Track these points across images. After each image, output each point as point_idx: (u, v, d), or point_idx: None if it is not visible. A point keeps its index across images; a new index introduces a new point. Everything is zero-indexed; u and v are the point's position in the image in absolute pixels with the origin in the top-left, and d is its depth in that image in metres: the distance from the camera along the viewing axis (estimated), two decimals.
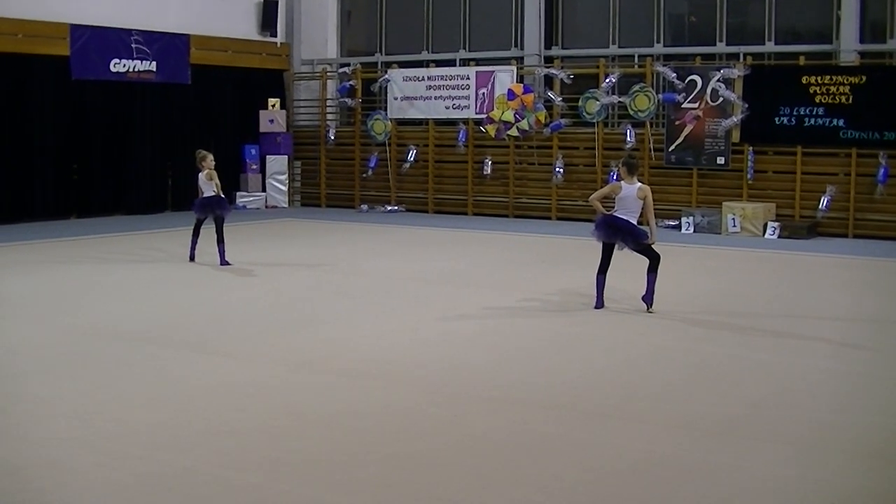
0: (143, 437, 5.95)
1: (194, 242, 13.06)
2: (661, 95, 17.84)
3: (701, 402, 6.84)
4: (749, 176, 17.16)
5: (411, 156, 20.26)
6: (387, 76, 20.62)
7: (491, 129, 19.01)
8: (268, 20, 21.70)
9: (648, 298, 9.90)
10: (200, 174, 13.00)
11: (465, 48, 20.86)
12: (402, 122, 20.74)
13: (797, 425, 6.33)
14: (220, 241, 12.71)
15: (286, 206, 21.33)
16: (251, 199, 20.98)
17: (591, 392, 7.11)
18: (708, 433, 6.16)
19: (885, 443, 6.04)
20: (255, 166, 21.16)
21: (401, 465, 5.56)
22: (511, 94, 18.77)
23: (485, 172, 19.56)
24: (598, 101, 18.19)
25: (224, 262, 12.66)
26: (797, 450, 5.86)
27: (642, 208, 9.89)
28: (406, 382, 7.30)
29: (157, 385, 7.10)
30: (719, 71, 17.25)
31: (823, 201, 16.42)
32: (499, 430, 6.17)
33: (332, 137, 21.42)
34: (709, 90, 17.33)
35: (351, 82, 21.04)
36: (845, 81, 16.30)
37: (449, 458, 5.67)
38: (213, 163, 13.09)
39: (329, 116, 21.91)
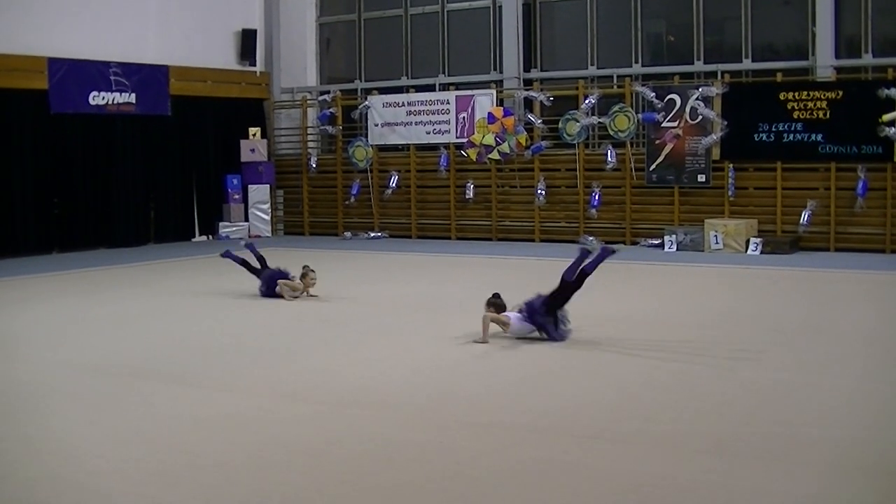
0: (129, 472, 5.89)
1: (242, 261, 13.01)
2: (640, 115, 17.94)
3: (690, 421, 6.82)
4: (730, 193, 17.24)
5: (393, 182, 20.27)
6: (367, 103, 20.68)
7: (472, 153, 19.04)
8: (247, 49, 21.74)
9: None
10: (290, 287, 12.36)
11: (444, 73, 20.92)
12: (383, 149, 20.77)
13: (786, 441, 6.32)
14: (259, 265, 12.82)
15: (269, 235, 21.30)
16: (234, 229, 20.95)
17: (579, 414, 7.08)
18: (698, 452, 6.14)
19: (873, 457, 6.03)
20: (237, 196, 21.14)
21: (389, 494, 5.51)
22: (491, 118, 18.82)
23: (467, 196, 19.59)
24: (578, 122, 18.27)
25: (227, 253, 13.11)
26: (786, 465, 5.84)
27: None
28: (393, 410, 7.26)
29: (142, 419, 7.03)
30: (698, 89, 17.37)
31: (804, 216, 16.51)
32: (487, 456, 6.13)
33: (314, 165, 21.43)
34: (688, 109, 17.43)
35: (331, 110, 21.07)
36: (822, 97, 16.42)
37: (437, 486, 5.63)
38: (314, 282, 12.41)
39: (310, 144, 21.92)
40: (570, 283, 9.57)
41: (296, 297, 12.26)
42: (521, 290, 13.08)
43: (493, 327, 9.59)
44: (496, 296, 9.83)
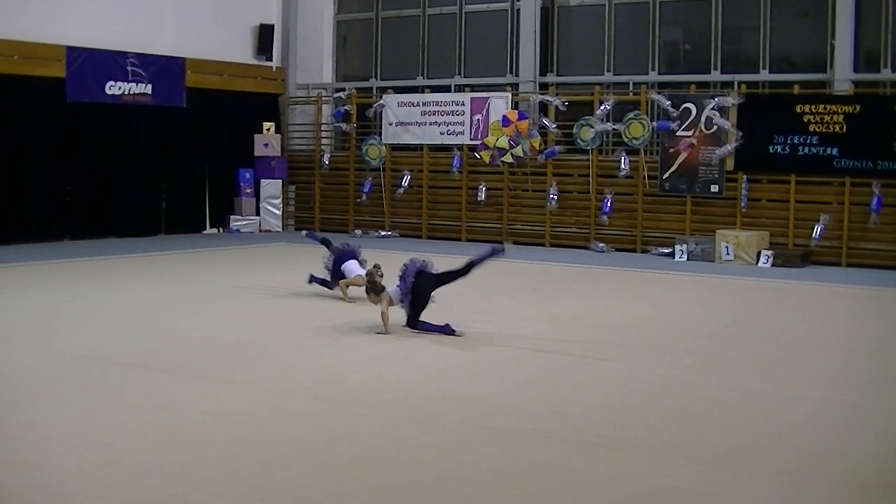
0: (133, 463, 5.89)
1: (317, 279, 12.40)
2: (655, 123, 17.89)
3: (695, 432, 6.80)
4: (743, 204, 17.18)
5: (405, 181, 20.28)
6: (382, 101, 20.68)
7: (485, 156, 19.04)
8: (264, 44, 21.78)
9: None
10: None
11: (460, 74, 20.92)
12: (396, 148, 20.78)
13: (791, 455, 6.30)
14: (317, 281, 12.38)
15: (280, 230, 21.33)
16: (245, 222, 20.98)
17: (584, 421, 7.06)
18: (702, 463, 6.12)
19: (878, 472, 6.01)
20: (249, 190, 21.16)
21: (391, 494, 5.51)
22: (506, 121, 18.81)
23: (479, 198, 19.58)
24: (592, 128, 18.24)
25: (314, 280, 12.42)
26: (790, 479, 5.82)
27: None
28: (397, 410, 7.26)
29: (147, 411, 7.04)
30: (714, 99, 17.31)
31: (817, 230, 16.44)
32: (490, 460, 6.12)
33: (327, 162, 21.45)
34: (703, 118, 17.39)
35: (346, 107, 21.08)
36: (839, 110, 16.35)
37: (440, 488, 5.63)
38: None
39: (324, 141, 21.94)
40: (458, 270, 10.17)
41: (351, 300, 11.78)
42: (527, 294, 13.11)
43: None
44: (377, 266, 10.19)
